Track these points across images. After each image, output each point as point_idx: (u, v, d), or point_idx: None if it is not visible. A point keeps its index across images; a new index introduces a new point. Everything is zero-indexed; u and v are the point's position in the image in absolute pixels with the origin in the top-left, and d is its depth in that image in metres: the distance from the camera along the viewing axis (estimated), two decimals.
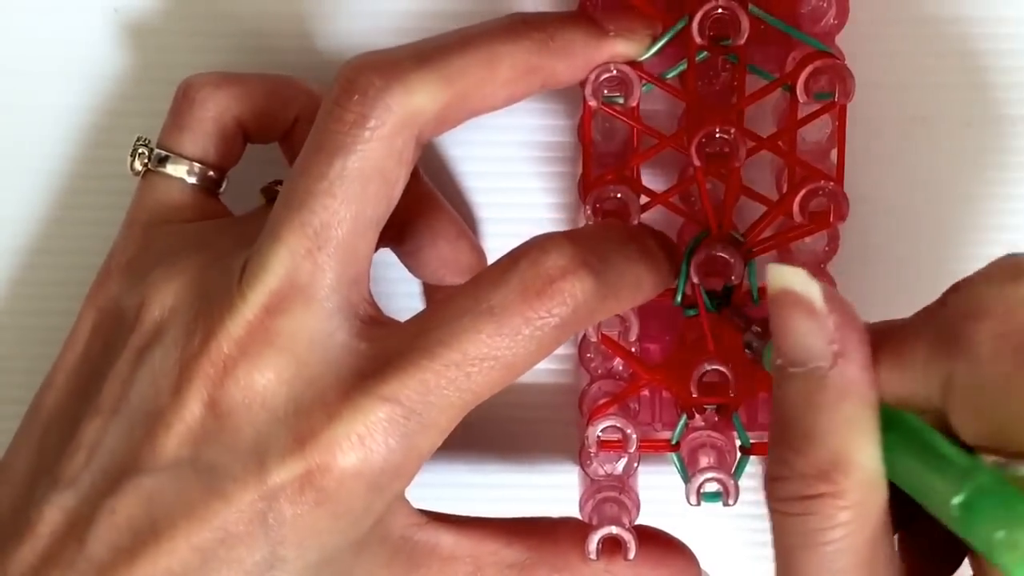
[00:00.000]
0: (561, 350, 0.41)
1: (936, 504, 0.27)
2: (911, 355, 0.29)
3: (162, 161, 0.37)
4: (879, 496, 0.29)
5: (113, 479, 0.33)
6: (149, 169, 0.37)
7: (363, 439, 0.32)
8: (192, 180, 0.37)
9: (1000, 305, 0.27)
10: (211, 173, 0.37)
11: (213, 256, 0.35)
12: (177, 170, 0.37)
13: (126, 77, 0.40)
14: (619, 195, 0.37)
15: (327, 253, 0.33)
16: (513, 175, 0.41)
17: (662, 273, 0.35)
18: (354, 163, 0.33)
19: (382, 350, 0.33)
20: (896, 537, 0.30)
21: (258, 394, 0.33)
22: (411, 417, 0.32)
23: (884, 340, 0.29)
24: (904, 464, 0.28)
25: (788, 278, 0.29)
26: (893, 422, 0.29)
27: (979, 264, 0.29)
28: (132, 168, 0.37)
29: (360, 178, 0.33)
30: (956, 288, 0.28)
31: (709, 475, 0.38)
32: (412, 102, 0.33)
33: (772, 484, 0.29)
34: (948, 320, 0.28)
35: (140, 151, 0.37)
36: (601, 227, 0.36)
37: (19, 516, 0.34)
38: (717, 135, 0.36)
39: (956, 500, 0.25)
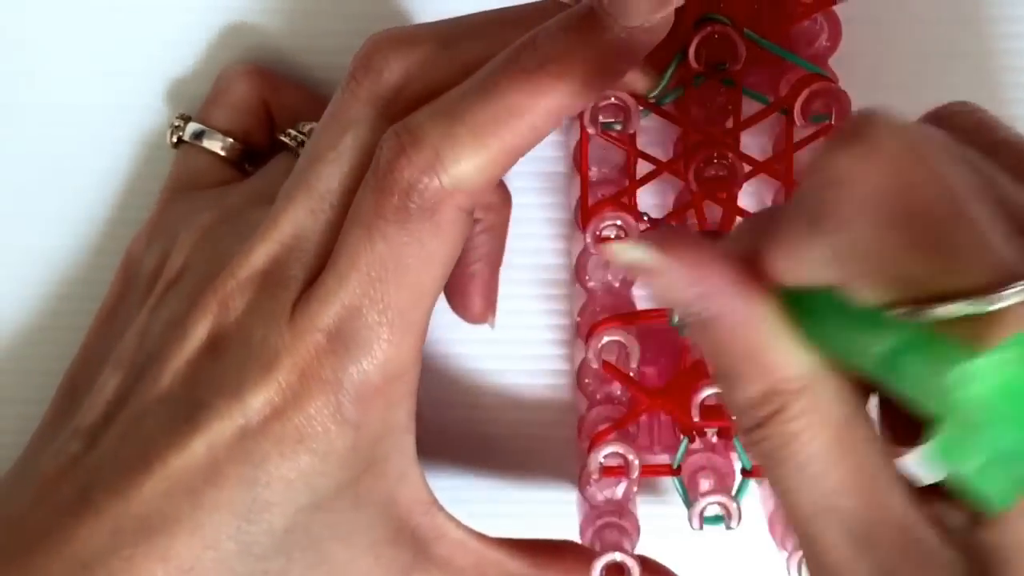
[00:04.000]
0: (561, 372, 0.42)
1: (869, 364, 0.26)
2: (794, 240, 0.27)
3: (198, 136, 0.39)
4: (826, 387, 0.28)
5: (115, 421, 0.34)
6: (184, 142, 0.40)
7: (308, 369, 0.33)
8: (222, 152, 0.39)
9: (851, 168, 0.25)
10: (239, 146, 0.40)
11: (227, 214, 0.37)
12: (211, 144, 0.39)
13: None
14: (619, 222, 0.37)
15: (328, 215, 0.34)
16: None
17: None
18: (362, 137, 0.34)
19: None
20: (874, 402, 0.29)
21: (249, 334, 0.34)
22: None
23: (769, 230, 0.28)
24: (831, 338, 0.27)
25: (615, 254, 0.28)
26: (804, 304, 0.27)
27: None
28: (170, 141, 0.40)
29: (368, 151, 0.34)
30: (812, 163, 0.27)
31: (712, 499, 0.38)
32: (422, 84, 0.34)
33: (735, 425, 0.29)
34: (813, 196, 0.26)
35: (177, 124, 0.40)
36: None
37: (35, 466, 0.36)
38: (715, 161, 0.36)
39: (880, 349, 0.25)
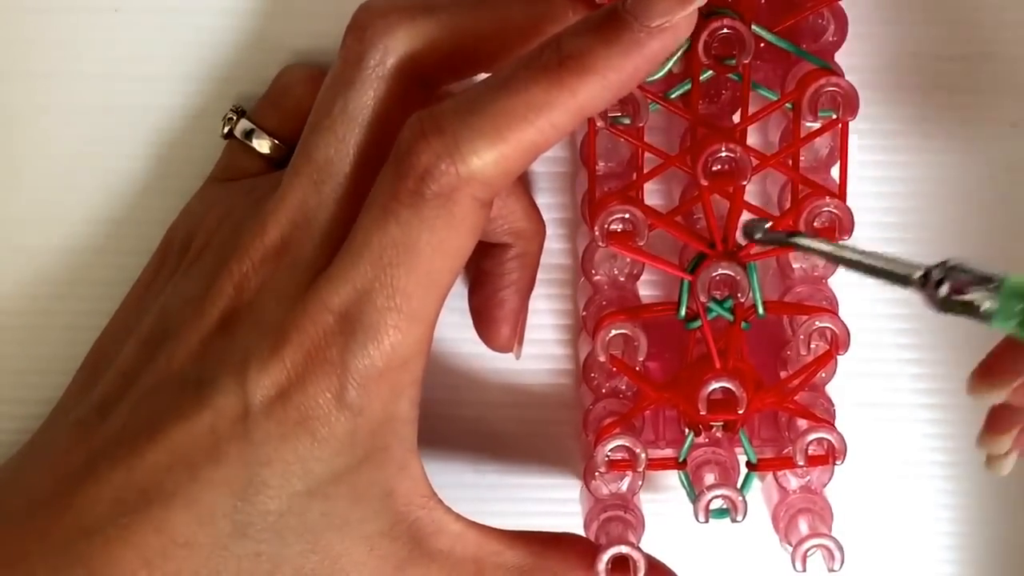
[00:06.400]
0: (565, 371, 0.42)
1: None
2: None
3: (247, 134, 0.40)
4: None
5: (129, 394, 0.35)
6: (235, 137, 0.40)
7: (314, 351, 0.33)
8: (268, 152, 0.40)
9: None
10: (285, 148, 0.40)
11: (252, 198, 0.37)
12: (259, 144, 0.40)
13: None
14: (627, 216, 0.37)
15: (330, 186, 0.35)
16: None
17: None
18: (353, 100, 0.35)
19: None
20: None
21: (260, 313, 0.34)
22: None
23: None
24: None
25: None
26: None
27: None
28: (222, 133, 0.40)
29: (360, 115, 0.35)
30: None
31: (718, 492, 0.38)
32: (407, 45, 0.35)
33: None
34: None
35: (231, 117, 0.40)
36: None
37: (51, 435, 0.37)
38: (723, 154, 0.36)
39: None
